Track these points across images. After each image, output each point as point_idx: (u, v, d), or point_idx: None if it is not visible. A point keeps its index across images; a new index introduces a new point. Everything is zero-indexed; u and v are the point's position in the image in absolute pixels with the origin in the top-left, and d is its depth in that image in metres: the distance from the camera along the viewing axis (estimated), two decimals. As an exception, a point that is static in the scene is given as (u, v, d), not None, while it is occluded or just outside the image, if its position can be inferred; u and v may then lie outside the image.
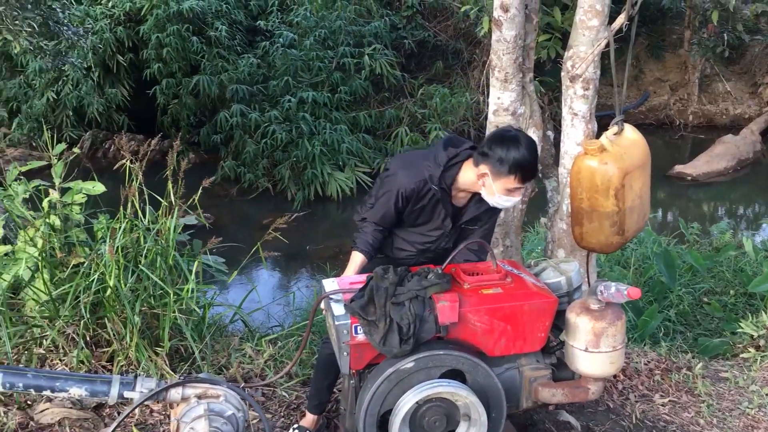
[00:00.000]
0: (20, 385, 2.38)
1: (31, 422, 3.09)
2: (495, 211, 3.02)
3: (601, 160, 2.95)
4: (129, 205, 3.69)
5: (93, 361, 3.43)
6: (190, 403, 2.43)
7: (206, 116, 10.99)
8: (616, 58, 3.08)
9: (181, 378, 2.50)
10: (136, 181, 3.72)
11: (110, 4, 10.87)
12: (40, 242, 3.63)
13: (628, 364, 3.83)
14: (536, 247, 6.23)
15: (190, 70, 10.86)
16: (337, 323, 2.53)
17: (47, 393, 2.42)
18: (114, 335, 3.45)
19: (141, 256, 3.63)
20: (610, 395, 3.59)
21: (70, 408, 3.15)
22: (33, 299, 3.58)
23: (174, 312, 3.47)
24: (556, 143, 3.86)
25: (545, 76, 9.40)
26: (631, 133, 3.11)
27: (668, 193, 10.41)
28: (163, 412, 3.24)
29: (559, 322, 2.76)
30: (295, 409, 3.40)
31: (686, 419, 3.49)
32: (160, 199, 3.83)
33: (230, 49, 11.03)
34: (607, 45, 3.26)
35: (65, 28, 6.19)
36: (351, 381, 2.71)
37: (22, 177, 3.98)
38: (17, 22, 5.32)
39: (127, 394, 2.42)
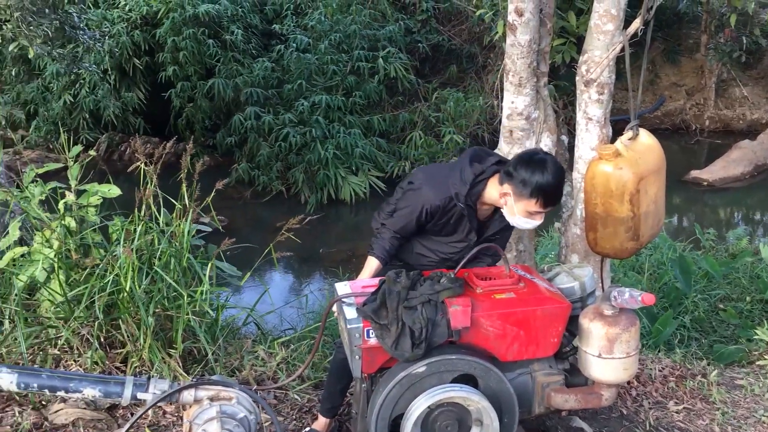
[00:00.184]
0: (35, 385, 2.40)
1: (46, 422, 3.11)
2: None
3: (616, 165, 2.94)
4: (144, 207, 3.71)
5: (107, 363, 3.45)
6: (202, 405, 2.44)
7: (221, 119, 11.05)
8: (631, 63, 3.07)
9: (194, 380, 2.52)
10: (151, 184, 3.74)
11: (127, 8, 10.97)
12: (56, 244, 3.66)
13: (642, 370, 3.80)
14: (550, 252, 6.21)
15: (205, 74, 10.93)
16: (349, 326, 2.54)
17: (61, 393, 2.44)
18: (128, 337, 3.47)
19: (155, 258, 3.66)
20: (624, 402, 3.56)
21: (84, 409, 3.17)
22: (48, 300, 3.61)
23: (187, 314, 3.49)
24: (570, 148, 3.85)
25: (560, 80, 9.37)
26: (646, 137, 3.10)
27: (684, 198, 10.33)
28: (176, 414, 3.25)
29: (573, 328, 2.74)
30: (307, 412, 3.40)
31: (701, 427, 3.45)
32: (175, 202, 3.86)
33: (245, 52, 11.08)
34: (622, 49, 3.24)
35: (81, 32, 6.25)
36: (363, 384, 2.71)
37: (38, 179, 4.01)
38: (32, 27, 5.38)
39: (140, 395, 2.43)
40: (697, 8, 12.60)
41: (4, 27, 5.59)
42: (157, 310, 3.49)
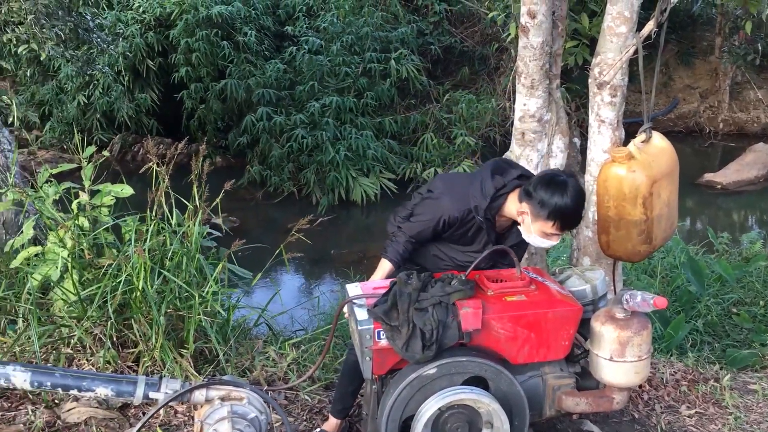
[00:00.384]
0: (48, 384, 2.42)
1: (58, 421, 3.14)
2: None
3: (629, 168, 2.92)
4: (155, 207, 3.73)
5: (119, 362, 3.48)
6: (213, 405, 2.45)
7: (233, 121, 11.09)
8: (644, 65, 3.05)
9: (206, 380, 2.53)
10: (163, 184, 3.76)
11: (141, 9, 11.04)
12: (69, 243, 3.69)
13: (654, 374, 3.78)
14: (561, 254, 6.18)
15: (217, 75, 10.98)
16: (360, 328, 2.54)
17: (74, 392, 2.46)
18: (140, 336, 3.49)
19: (167, 258, 3.67)
20: (636, 405, 3.55)
21: (96, 408, 3.19)
22: (62, 299, 3.64)
23: (199, 314, 3.50)
24: (583, 150, 3.83)
25: (572, 82, 9.34)
26: (659, 140, 3.08)
27: (697, 201, 10.27)
28: (187, 414, 3.27)
29: (584, 331, 2.73)
30: (317, 413, 3.41)
31: (713, 431, 3.43)
32: (186, 203, 3.88)
33: (258, 54, 11.12)
34: (636, 52, 3.23)
35: (95, 35, 6.29)
36: (373, 386, 2.72)
37: (52, 179, 4.05)
38: (45, 30, 5.42)
39: (152, 394, 2.45)
40: (712, 10, 12.53)
41: (17, 29, 5.63)
42: (168, 310, 3.51)
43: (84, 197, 3.85)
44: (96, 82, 10.93)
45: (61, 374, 2.45)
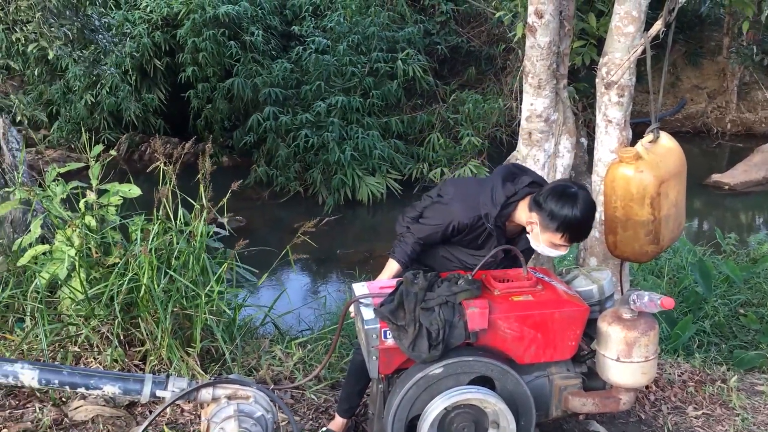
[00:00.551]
0: (56, 381, 2.43)
1: (66, 419, 3.15)
2: None
3: (637, 168, 2.92)
4: (162, 207, 3.74)
5: (126, 360, 3.49)
6: (220, 404, 2.45)
7: (240, 120, 11.11)
8: (652, 65, 3.05)
9: (212, 378, 2.53)
10: (170, 184, 3.77)
11: (148, 9, 11.07)
12: (77, 242, 3.70)
13: (661, 375, 3.77)
14: (568, 254, 6.17)
15: (224, 75, 11.00)
16: (366, 327, 2.54)
17: (82, 390, 2.46)
18: (147, 335, 3.50)
19: (173, 257, 3.68)
20: (642, 406, 3.54)
21: (103, 406, 3.21)
22: (69, 298, 3.65)
23: (205, 313, 3.51)
24: (590, 150, 3.83)
25: (579, 82, 9.31)
26: (666, 140, 3.07)
27: (704, 202, 10.24)
28: (194, 412, 3.27)
29: (591, 331, 2.73)
30: (323, 412, 3.41)
31: (720, 433, 3.42)
32: (193, 202, 3.89)
33: (265, 53, 11.14)
34: (643, 52, 3.22)
35: (100, 35, 6.30)
36: (380, 385, 2.72)
37: (60, 178, 4.06)
38: (53, 29, 5.43)
39: (159, 393, 2.45)
40: (720, 11, 12.48)
41: (25, 28, 5.65)
42: (175, 309, 3.52)
43: (91, 196, 3.86)
44: (103, 81, 10.97)
45: (69, 372, 2.46)
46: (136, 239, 3.71)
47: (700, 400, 3.64)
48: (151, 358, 3.47)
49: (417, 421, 2.55)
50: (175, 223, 3.79)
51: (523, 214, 2.78)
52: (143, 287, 3.49)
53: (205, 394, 2.47)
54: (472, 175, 9.61)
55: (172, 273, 3.56)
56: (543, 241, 2.72)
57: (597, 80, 3.47)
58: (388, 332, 2.52)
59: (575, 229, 2.67)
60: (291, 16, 12.04)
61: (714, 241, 6.89)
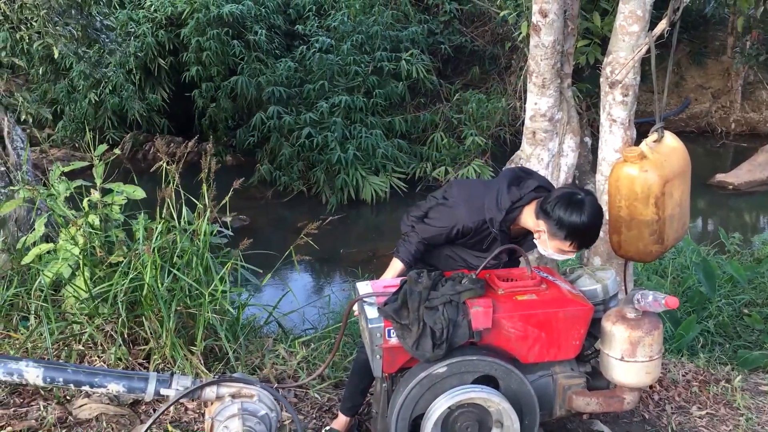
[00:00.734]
0: (60, 380, 2.43)
1: (70, 417, 3.15)
2: None
3: (641, 168, 2.91)
4: (165, 206, 3.75)
5: (130, 359, 3.49)
6: (224, 402, 2.46)
7: (244, 120, 11.12)
8: (656, 65, 3.04)
9: (216, 377, 2.54)
10: (173, 183, 3.78)
11: (152, 8, 11.08)
12: (81, 241, 3.71)
13: (665, 374, 3.77)
14: (572, 254, 6.16)
15: (228, 74, 11.00)
16: (370, 326, 2.54)
17: (86, 388, 2.47)
18: (150, 333, 3.50)
19: (177, 256, 3.69)
20: (646, 406, 3.53)
21: (108, 404, 3.21)
22: (73, 296, 3.66)
23: (209, 312, 3.52)
24: (594, 150, 3.82)
25: (584, 81, 9.28)
26: (671, 140, 3.06)
27: (709, 202, 10.22)
28: (198, 411, 3.28)
29: (595, 331, 2.72)
30: (327, 411, 3.41)
31: (724, 432, 3.42)
32: (196, 201, 3.89)
33: (268, 53, 11.14)
34: (648, 51, 3.22)
35: (103, 35, 6.30)
36: (383, 384, 2.72)
37: (64, 177, 4.07)
38: (58, 27, 5.44)
39: (163, 391, 2.45)
40: (724, 10, 12.44)
41: (30, 26, 5.66)
42: (179, 308, 3.53)
43: (95, 195, 3.87)
44: (107, 81, 10.98)
45: (74, 370, 2.46)
46: (139, 238, 3.72)
47: (704, 400, 3.63)
48: (155, 356, 3.48)
49: (420, 420, 2.55)
50: (179, 222, 3.79)
51: (528, 218, 2.77)
52: (147, 286, 3.50)
53: (209, 392, 2.47)
54: (475, 174, 9.61)
55: (176, 272, 3.57)
56: (551, 247, 2.72)
57: (601, 79, 3.46)
58: (391, 331, 2.52)
59: (583, 236, 2.68)
60: (295, 15, 12.04)
61: (718, 240, 6.88)
